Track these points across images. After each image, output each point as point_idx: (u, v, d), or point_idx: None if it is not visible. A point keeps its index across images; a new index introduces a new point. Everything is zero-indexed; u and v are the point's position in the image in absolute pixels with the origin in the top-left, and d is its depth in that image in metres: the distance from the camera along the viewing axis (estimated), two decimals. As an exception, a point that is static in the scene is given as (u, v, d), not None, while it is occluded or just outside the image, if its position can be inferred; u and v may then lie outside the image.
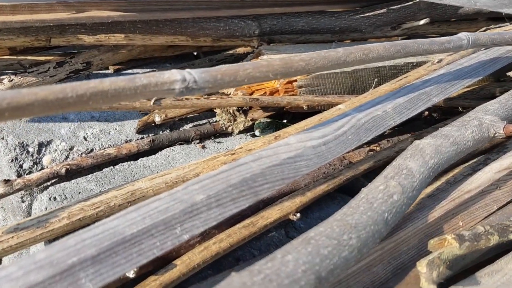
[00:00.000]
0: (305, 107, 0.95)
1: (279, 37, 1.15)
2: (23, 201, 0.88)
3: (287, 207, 0.81)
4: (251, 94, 0.95)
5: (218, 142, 1.03)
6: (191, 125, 1.06)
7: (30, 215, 0.91)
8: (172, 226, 0.55)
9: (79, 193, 0.81)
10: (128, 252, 0.51)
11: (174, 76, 0.56)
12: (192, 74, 0.58)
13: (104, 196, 0.75)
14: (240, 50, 1.26)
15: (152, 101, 0.83)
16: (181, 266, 0.69)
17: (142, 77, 0.54)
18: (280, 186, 0.66)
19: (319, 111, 1.00)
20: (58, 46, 1.00)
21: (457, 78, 1.01)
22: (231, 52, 1.24)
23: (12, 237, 0.67)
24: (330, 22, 1.13)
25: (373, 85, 1.06)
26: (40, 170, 0.89)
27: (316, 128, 0.77)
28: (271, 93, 0.96)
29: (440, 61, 1.08)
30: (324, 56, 0.71)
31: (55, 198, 0.79)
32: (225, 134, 1.05)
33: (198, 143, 1.00)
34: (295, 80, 0.96)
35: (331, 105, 0.97)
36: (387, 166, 0.72)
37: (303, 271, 0.48)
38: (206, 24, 1.00)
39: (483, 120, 0.85)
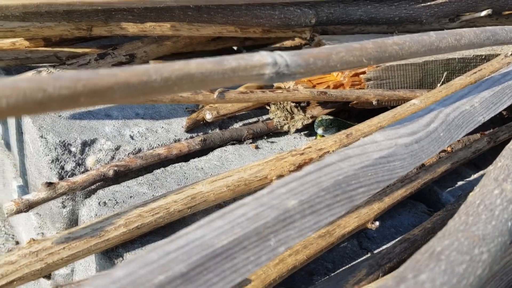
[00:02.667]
0: (374, 102, 0.86)
1: (333, 28, 1.05)
2: (64, 207, 0.80)
3: (364, 215, 0.71)
4: (313, 87, 0.86)
5: (272, 142, 0.94)
6: (241, 123, 0.97)
7: (71, 222, 0.83)
8: (265, 237, 0.46)
9: (131, 197, 0.72)
10: (221, 269, 0.42)
11: (264, 58, 0.47)
12: (284, 57, 0.49)
13: (163, 201, 0.66)
14: (288, 43, 1.17)
15: (216, 93, 0.75)
16: (257, 281, 0.60)
17: (230, 59, 0.46)
18: (376, 191, 0.57)
19: (385, 108, 0.91)
20: (99, 37, 0.92)
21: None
22: (278, 45, 1.16)
23: (64, 248, 0.58)
24: (390, 11, 1.04)
25: (442, 79, 0.97)
26: (83, 172, 0.81)
27: (401, 124, 0.67)
28: (335, 87, 0.87)
29: (512, 53, 0.98)
30: (417, 40, 0.62)
31: (105, 203, 0.70)
32: (277, 133, 0.96)
33: (250, 142, 0.91)
34: (363, 73, 0.87)
35: (402, 100, 0.88)
36: (490, 168, 0.62)
37: (444, 295, 0.38)
38: (260, 11, 0.91)
39: None
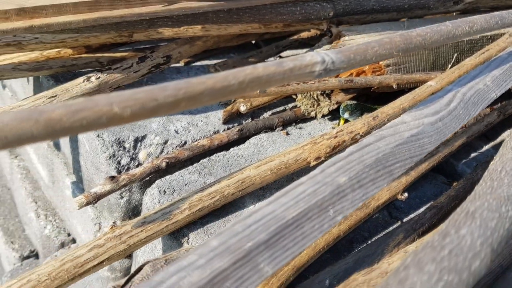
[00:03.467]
0: (394, 86, 0.94)
1: (348, 18, 1.13)
2: (121, 197, 0.89)
3: (394, 188, 0.80)
4: (337, 76, 0.94)
5: (300, 128, 1.02)
6: (270, 113, 1.05)
7: (127, 211, 0.91)
8: (325, 209, 0.54)
9: (185, 185, 0.81)
10: (293, 236, 0.51)
11: (314, 58, 0.55)
12: (330, 55, 0.57)
13: (218, 186, 0.75)
14: (304, 34, 1.24)
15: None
16: (309, 250, 0.69)
17: (288, 60, 0.54)
18: (410, 165, 0.65)
19: (401, 91, 0.99)
20: (138, 41, 0.99)
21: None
22: (295, 37, 1.23)
23: (141, 231, 0.67)
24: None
25: (453, 60, 1.05)
26: (137, 165, 0.89)
27: (425, 105, 0.76)
28: (358, 75, 0.95)
29: (517, 32, 1.06)
30: (437, 31, 0.70)
31: (164, 191, 0.79)
32: (304, 120, 1.05)
33: (281, 130, 1.00)
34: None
35: (419, 83, 0.96)
36: (507, 138, 0.71)
37: (481, 244, 0.47)
38: (283, 9, 0.98)
39: None
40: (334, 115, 1.07)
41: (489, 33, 1.11)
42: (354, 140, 0.82)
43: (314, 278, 0.65)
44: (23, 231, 1.33)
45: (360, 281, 0.53)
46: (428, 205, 0.90)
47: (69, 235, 1.13)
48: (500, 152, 0.67)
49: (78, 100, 0.40)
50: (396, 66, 0.96)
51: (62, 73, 0.97)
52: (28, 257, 1.29)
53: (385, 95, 1.10)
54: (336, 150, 0.81)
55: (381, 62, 0.95)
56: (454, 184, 0.97)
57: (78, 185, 1.00)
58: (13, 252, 1.28)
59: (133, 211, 0.92)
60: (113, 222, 0.88)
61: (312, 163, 0.80)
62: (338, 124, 1.04)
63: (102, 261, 0.63)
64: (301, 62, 0.54)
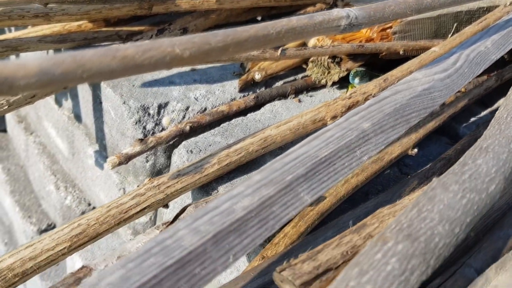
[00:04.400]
0: (401, 52, 1.00)
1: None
2: (147, 161, 0.94)
3: (405, 143, 0.86)
4: (348, 42, 1.00)
5: (311, 96, 1.08)
6: (281, 82, 1.10)
7: (152, 174, 0.96)
8: (352, 150, 0.60)
9: (210, 145, 0.86)
10: (327, 171, 0.57)
11: (340, 13, 0.61)
12: (354, 12, 0.63)
13: (243, 144, 0.80)
14: (310, 9, 1.29)
15: (279, 51, 0.88)
16: (330, 197, 0.75)
17: (317, 15, 0.59)
18: (424, 115, 0.71)
19: (406, 58, 1.05)
20: (155, 14, 1.03)
21: (536, 15, 1.06)
22: (302, 12, 1.28)
23: (177, 182, 0.72)
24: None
25: (452, 29, 1.11)
26: (161, 130, 0.94)
27: (433, 65, 0.82)
28: (367, 41, 1.01)
29: (511, 3, 1.12)
30: (406, 1, 0.76)
31: (191, 151, 0.84)
32: (314, 88, 1.10)
33: (294, 97, 1.05)
34: (390, 27, 1.00)
35: (423, 49, 1.02)
36: (510, 92, 0.77)
37: (495, 171, 0.53)
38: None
39: None
40: (342, 84, 1.13)
41: (485, 5, 1.17)
42: (367, 100, 0.88)
43: (338, 220, 0.71)
44: (39, 206, 1.37)
45: (385, 213, 0.59)
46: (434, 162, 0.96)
47: (89, 204, 1.18)
48: (504, 103, 0.73)
49: (145, 42, 0.45)
50: (402, 34, 1.02)
51: (84, 46, 1.01)
52: (45, 230, 1.34)
53: (388, 65, 1.17)
54: (351, 109, 0.86)
55: (388, 30, 1.01)
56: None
57: (102, 153, 1.05)
58: (31, 226, 1.33)
59: (157, 174, 0.97)
60: (137, 186, 0.93)
61: (329, 122, 0.86)
62: (346, 92, 1.09)
63: (144, 208, 0.68)
64: (329, 16, 0.60)
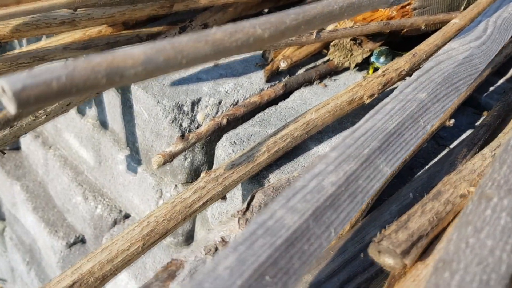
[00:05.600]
0: (423, 27, 1.01)
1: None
2: (185, 159, 0.93)
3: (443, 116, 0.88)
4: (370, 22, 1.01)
5: (335, 80, 1.08)
6: (303, 69, 1.11)
7: (190, 172, 0.96)
8: (416, 119, 0.61)
9: (251, 135, 0.86)
10: (398, 142, 0.57)
11: (390, -14, 0.61)
12: (400, -16, 0.63)
13: (287, 130, 0.80)
14: (318, -4, 1.30)
15: (315, 34, 0.88)
16: (384, 173, 0.76)
17: (370, -11, 0.59)
18: (470, 82, 0.72)
19: (424, 34, 1.07)
20: (176, 12, 1.03)
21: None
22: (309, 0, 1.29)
23: (233, 172, 0.72)
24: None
25: (466, 1, 1.13)
26: (197, 127, 0.94)
27: (464, 34, 0.83)
28: (388, 19, 1.02)
29: (519, -31, 1.14)
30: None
31: (235, 143, 0.84)
32: (336, 72, 1.11)
33: (319, 82, 1.06)
34: (409, 4, 1.01)
35: (442, 23, 1.03)
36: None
37: None
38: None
39: None
40: (361, 66, 1.14)
41: (493, -26, 1.19)
42: (400, 76, 0.89)
43: (398, 194, 0.72)
44: (64, 220, 1.36)
45: (455, 179, 0.60)
46: (468, 132, 0.98)
47: (120, 211, 1.17)
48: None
49: (227, 25, 0.45)
50: (421, 9, 1.03)
51: (107, 50, 1.00)
52: (74, 243, 1.32)
53: (404, 43, 1.18)
54: (386, 86, 0.87)
55: (407, 7, 1.02)
56: (484, 112, 1.05)
57: (134, 157, 1.04)
58: (59, 240, 1.31)
59: (195, 172, 0.97)
60: (175, 185, 0.93)
61: (367, 101, 0.86)
62: (368, 73, 1.10)
63: (206, 201, 0.68)
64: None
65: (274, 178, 0.79)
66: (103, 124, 1.11)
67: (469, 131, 0.98)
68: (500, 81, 1.21)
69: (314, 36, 0.87)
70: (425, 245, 0.50)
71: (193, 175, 0.97)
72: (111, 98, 1.03)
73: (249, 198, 0.62)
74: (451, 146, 0.92)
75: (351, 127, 0.77)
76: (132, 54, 0.37)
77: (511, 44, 1.11)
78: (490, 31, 0.84)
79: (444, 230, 0.55)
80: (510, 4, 0.95)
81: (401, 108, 0.61)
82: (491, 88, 1.17)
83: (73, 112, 1.17)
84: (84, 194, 1.20)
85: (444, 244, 0.47)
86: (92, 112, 1.13)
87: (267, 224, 0.44)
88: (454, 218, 0.56)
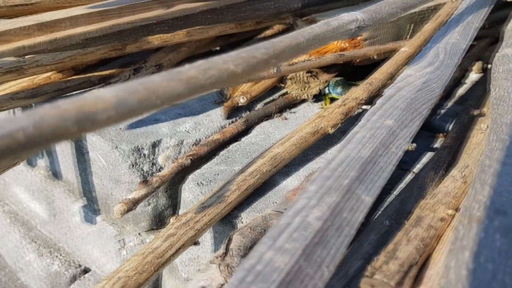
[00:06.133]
0: (375, 57, 1.04)
1: (308, 10, 1.22)
2: (148, 204, 0.89)
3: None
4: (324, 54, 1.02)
5: (294, 112, 1.08)
6: (261, 104, 1.10)
7: (154, 218, 0.91)
8: (388, 146, 0.61)
9: (217, 174, 0.83)
10: (375, 171, 0.57)
11: (351, 17, 0.63)
12: (360, 15, 0.64)
13: (256, 166, 0.78)
14: (268, 32, 1.31)
15: (275, 69, 0.88)
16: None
17: (332, 20, 0.60)
18: (431, 107, 0.74)
19: (375, 64, 1.10)
20: (128, 54, 1.00)
21: (480, 5, 1.15)
22: (262, 35, 1.30)
23: (204, 215, 0.69)
24: (351, -15, 1.23)
25: (410, 30, 1.17)
26: (158, 170, 0.90)
27: (418, 61, 0.85)
28: (341, 50, 1.04)
29: (456, -1, 1.21)
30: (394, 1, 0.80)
31: (201, 183, 0.81)
32: (294, 105, 1.11)
33: (279, 116, 1.05)
34: (360, 35, 1.04)
35: (391, 51, 1.07)
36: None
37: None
38: (259, 5, 1.05)
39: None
40: (317, 98, 1.15)
41: (432, 4, 1.26)
42: (360, 105, 0.90)
43: (374, 223, 0.71)
44: (17, 280, 1.25)
45: (431, 203, 0.60)
46: (427, 154, 1.00)
47: (79, 266, 1.09)
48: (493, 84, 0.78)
49: (200, 62, 0.43)
50: (371, 40, 1.06)
51: (57, 97, 0.96)
52: (28, 305, 1.22)
53: (355, 74, 1.21)
54: (348, 115, 0.88)
55: (358, 38, 1.05)
56: (440, 135, 1.08)
57: (91, 207, 0.98)
58: (11, 304, 1.20)
59: (159, 217, 0.92)
60: (138, 234, 0.88)
61: (331, 131, 0.86)
62: (325, 104, 1.11)
63: (179, 249, 0.64)
64: (342, 21, 0.61)
65: (246, 217, 0.76)
66: (56, 174, 1.04)
67: (429, 154, 1.00)
68: (450, 104, 1.26)
69: (274, 71, 0.87)
70: (415, 274, 0.49)
71: (157, 221, 0.92)
72: (63, 147, 0.98)
73: (226, 241, 0.59)
74: (414, 170, 0.94)
75: (325, 159, 0.77)
76: (103, 97, 0.34)
77: (458, 68, 1.16)
78: (442, 57, 0.87)
79: (429, 256, 0.54)
80: (455, 30, 1.00)
81: (372, 136, 0.61)
82: (443, 111, 1.21)
83: (21, 164, 1.10)
84: (38, 251, 1.11)
85: (440, 272, 0.46)
86: (43, 162, 1.07)
87: (256, 269, 0.41)
88: (438, 242, 0.56)
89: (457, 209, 0.61)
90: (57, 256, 1.10)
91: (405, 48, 1.03)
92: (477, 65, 1.50)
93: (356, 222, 0.49)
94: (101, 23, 0.74)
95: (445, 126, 1.19)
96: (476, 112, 1.01)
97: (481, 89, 1.21)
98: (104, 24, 0.74)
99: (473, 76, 1.50)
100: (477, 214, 0.43)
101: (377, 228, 0.71)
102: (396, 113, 0.67)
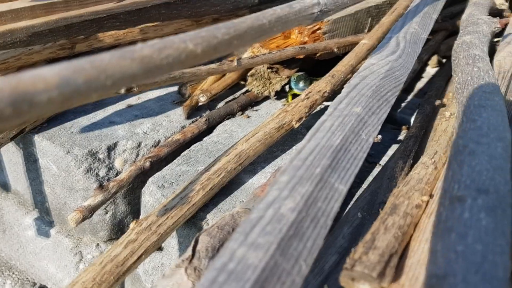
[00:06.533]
0: (335, 50, 1.02)
1: (265, 6, 1.20)
2: (106, 212, 0.83)
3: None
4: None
5: (256, 110, 1.05)
6: (222, 102, 1.06)
7: (113, 227, 0.86)
8: (358, 133, 0.59)
9: (179, 175, 0.79)
10: (346, 158, 0.54)
11: (313, 0, 0.60)
12: (322, -1, 0.62)
13: (220, 164, 0.74)
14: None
15: (235, 61, 0.84)
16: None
17: (295, 3, 0.57)
18: (397, 93, 0.73)
19: (336, 58, 1.08)
20: (78, 53, 0.94)
21: (436, -2, 1.16)
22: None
23: (167, 218, 0.64)
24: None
25: (368, 24, 1.17)
26: (116, 174, 0.84)
27: (379, 50, 0.84)
28: (302, 43, 1.01)
29: (411, -8, 1.22)
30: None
31: (163, 186, 0.76)
32: (256, 103, 1.08)
33: (241, 114, 1.02)
34: (319, 28, 1.02)
35: (351, 44, 1.05)
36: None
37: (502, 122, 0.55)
38: (215, 0, 1.01)
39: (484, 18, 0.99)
40: (279, 96, 1.12)
41: (388, -1, 1.26)
42: (324, 97, 0.88)
43: (346, 215, 0.68)
44: (-36, 305, 1.15)
45: (404, 190, 0.57)
46: (393, 147, 0.99)
47: (34, 284, 1.01)
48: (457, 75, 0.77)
49: (155, 41, 0.39)
50: (331, 33, 1.04)
51: None
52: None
53: (316, 69, 1.19)
54: (312, 109, 0.85)
55: (318, 31, 1.03)
56: (403, 127, 1.07)
57: (44, 219, 0.91)
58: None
59: (119, 225, 0.86)
60: (97, 245, 0.83)
61: (296, 125, 0.83)
62: (287, 100, 1.09)
63: (141, 255, 0.59)
64: (305, 3, 0.58)
65: (212, 218, 0.71)
66: (4, 186, 0.96)
67: (394, 146, 0.99)
68: (410, 97, 1.26)
69: (235, 63, 0.83)
70: (396, 264, 0.46)
71: (117, 229, 0.86)
72: (11, 155, 0.90)
73: (193, 243, 0.54)
74: (381, 163, 0.92)
75: (295, 149, 0.74)
76: (44, 75, 0.29)
77: (417, 61, 1.17)
78: (403, 45, 0.86)
79: (407, 245, 0.52)
80: (413, 20, 1.00)
81: (340, 123, 0.59)
82: (403, 104, 1.21)
83: (-36, 177, 1.01)
84: (-14, 272, 1.03)
85: (422, 259, 0.43)
86: (-12, 174, 0.98)
87: (228, 267, 0.37)
88: (414, 230, 0.53)
89: (431, 195, 0.59)
90: (9, 275, 1.01)
91: (365, 40, 1.02)
92: (433, 59, 1.52)
93: (332, 211, 0.46)
94: (46, 17, 0.68)
95: (408, 119, 1.19)
96: (438, 102, 1.01)
97: (440, 81, 1.21)
98: (50, 17, 0.68)
99: (431, 70, 1.52)
100: (458, 194, 0.41)
101: (350, 221, 0.68)
102: (363, 100, 0.64)
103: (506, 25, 1.14)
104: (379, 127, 0.63)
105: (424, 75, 1.38)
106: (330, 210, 0.46)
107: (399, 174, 0.73)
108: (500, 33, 1.08)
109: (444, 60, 1.53)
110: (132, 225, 0.63)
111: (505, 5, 1.29)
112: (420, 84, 1.33)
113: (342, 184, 0.50)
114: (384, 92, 0.70)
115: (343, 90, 0.68)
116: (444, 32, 1.40)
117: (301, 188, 0.46)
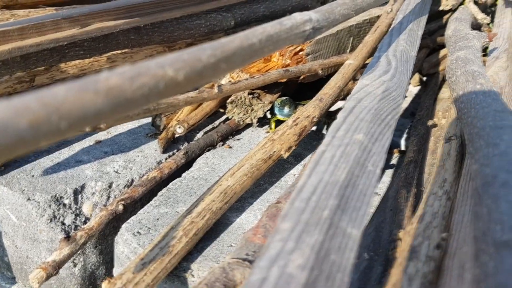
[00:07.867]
0: (320, 71, 0.95)
1: (241, 29, 1.14)
2: (75, 265, 0.73)
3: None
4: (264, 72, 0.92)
5: (238, 139, 0.97)
6: (201, 133, 0.98)
7: (84, 281, 0.75)
8: (363, 164, 0.52)
9: (157, 219, 0.69)
10: (356, 195, 0.47)
11: (304, 16, 0.54)
12: (313, 14, 0.56)
13: (204, 204, 0.66)
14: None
15: (216, 88, 0.76)
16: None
17: (285, 19, 0.51)
18: (397, 115, 0.66)
19: (319, 80, 1.02)
20: (39, 86, 0.85)
21: (417, 14, 1.12)
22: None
23: (145, 274, 0.55)
24: (284, 3, 1.16)
25: (350, 43, 1.11)
26: (84, 221, 0.75)
27: (371, 70, 0.78)
28: (284, 66, 0.94)
29: (391, 10, 1.18)
30: (345, 2, 0.73)
31: (138, 233, 0.66)
32: (238, 131, 1.00)
33: (222, 144, 0.94)
34: (301, 50, 0.96)
35: (336, 65, 0.99)
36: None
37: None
38: (189, 23, 0.94)
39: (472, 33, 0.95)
40: (261, 122, 1.05)
41: (367, 17, 1.21)
42: (313, 123, 0.81)
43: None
44: None
45: (422, 228, 0.50)
46: (388, 171, 0.92)
47: None
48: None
49: (126, 67, 0.31)
50: (314, 54, 0.98)
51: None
52: None
53: (298, 93, 1.13)
54: (302, 136, 0.78)
55: (301, 53, 0.96)
56: (395, 150, 1.01)
57: (5, 275, 0.80)
58: None
59: (89, 279, 0.76)
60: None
61: (286, 155, 0.76)
62: (270, 127, 1.01)
63: (116, 323, 0.50)
64: (295, 21, 0.51)
65: (197, 269, 0.62)
66: (-45, 239, 0.85)
67: (389, 172, 0.92)
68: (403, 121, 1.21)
69: (216, 90, 0.76)
70: None
71: (88, 283, 0.76)
72: (-38, 204, 0.79)
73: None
74: (377, 192, 0.85)
75: (294, 188, 0.67)
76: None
77: (401, 79, 1.12)
78: (395, 64, 0.80)
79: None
80: (400, 37, 0.95)
81: (342, 153, 0.51)
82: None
83: None
84: None
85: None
86: None
87: None
88: (437, 278, 0.46)
89: (448, 230, 0.52)
90: None
91: (351, 60, 0.97)
92: (415, 78, 1.48)
93: (348, 264, 0.38)
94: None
95: (397, 141, 1.13)
96: (430, 123, 0.95)
97: (428, 99, 1.17)
98: (2, 47, 0.59)
99: (413, 89, 1.48)
100: (504, 238, 0.34)
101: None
102: (364, 125, 0.57)
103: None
104: (385, 155, 0.55)
105: (407, 94, 1.33)
106: (346, 263, 0.38)
107: (405, 206, 0.65)
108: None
109: (424, 78, 1.49)
110: (104, 285, 0.53)
111: (487, 19, 1.26)
112: (404, 104, 1.29)
113: (355, 229, 0.42)
114: (384, 115, 0.63)
115: (339, 115, 0.61)
116: (426, 50, 1.36)
117: (309, 238, 0.38)
